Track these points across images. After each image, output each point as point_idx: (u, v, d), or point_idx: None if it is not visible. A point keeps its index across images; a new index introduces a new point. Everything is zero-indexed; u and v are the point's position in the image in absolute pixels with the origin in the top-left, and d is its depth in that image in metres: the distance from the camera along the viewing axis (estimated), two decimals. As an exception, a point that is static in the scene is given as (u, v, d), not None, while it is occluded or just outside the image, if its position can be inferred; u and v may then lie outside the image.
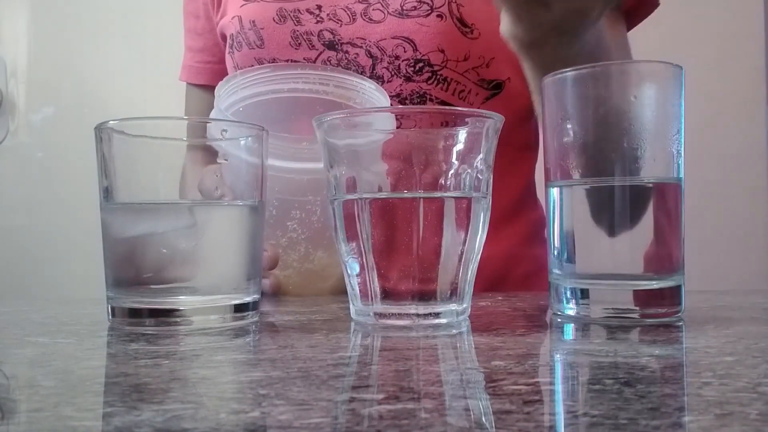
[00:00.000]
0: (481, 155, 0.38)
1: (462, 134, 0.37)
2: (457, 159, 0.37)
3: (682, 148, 0.38)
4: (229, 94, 0.57)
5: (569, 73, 0.38)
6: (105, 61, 1.54)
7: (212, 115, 0.54)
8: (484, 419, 0.20)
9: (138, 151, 0.39)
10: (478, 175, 0.38)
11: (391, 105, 0.61)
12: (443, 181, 0.36)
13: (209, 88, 0.77)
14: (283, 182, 0.50)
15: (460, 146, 0.37)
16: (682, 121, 0.38)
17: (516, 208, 0.71)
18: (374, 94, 0.58)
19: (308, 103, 0.58)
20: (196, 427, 0.19)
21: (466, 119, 0.37)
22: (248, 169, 0.40)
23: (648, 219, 0.38)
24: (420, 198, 0.36)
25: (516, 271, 0.67)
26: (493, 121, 0.38)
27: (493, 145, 0.39)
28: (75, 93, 1.55)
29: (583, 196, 0.39)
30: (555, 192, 0.40)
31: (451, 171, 0.36)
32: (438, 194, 0.36)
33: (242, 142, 0.40)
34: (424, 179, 0.36)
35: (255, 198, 0.40)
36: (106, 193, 0.38)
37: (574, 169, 0.38)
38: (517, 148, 0.69)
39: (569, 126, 0.38)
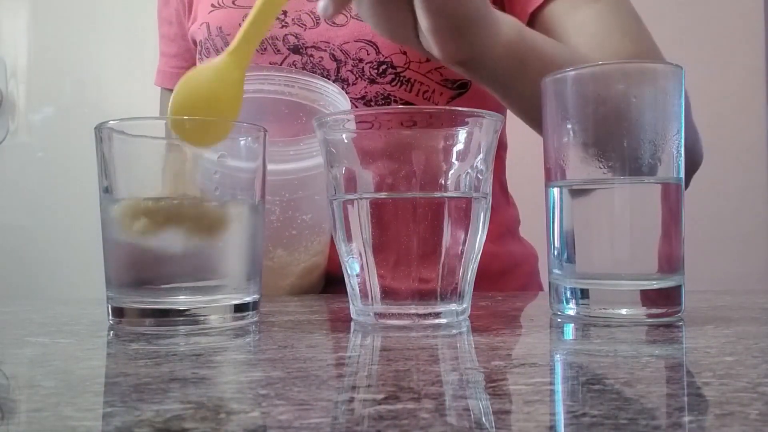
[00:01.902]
0: (481, 155, 0.38)
1: (462, 134, 0.37)
2: (456, 159, 0.37)
3: (683, 148, 0.38)
4: None
5: (569, 73, 0.38)
6: (105, 61, 1.54)
7: None
8: (484, 419, 0.20)
9: (138, 151, 0.39)
10: (478, 175, 0.38)
11: (355, 107, 0.62)
12: (443, 181, 0.36)
13: None
14: None
15: (460, 146, 0.37)
16: (682, 121, 0.38)
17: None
18: (337, 98, 0.59)
19: (273, 104, 0.59)
20: (196, 427, 0.19)
21: (466, 119, 0.37)
22: (246, 170, 0.40)
23: (649, 219, 0.38)
24: (420, 198, 0.36)
25: (491, 269, 0.67)
26: (493, 121, 0.38)
27: (493, 145, 0.39)
28: (75, 93, 1.55)
29: (583, 196, 0.39)
30: (555, 192, 0.40)
31: (451, 171, 0.36)
32: (438, 194, 0.36)
33: (242, 142, 0.40)
34: (423, 179, 0.36)
35: (255, 197, 0.40)
36: (106, 192, 0.38)
37: (574, 169, 0.38)
38: None
39: (569, 126, 0.38)
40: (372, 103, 0.64)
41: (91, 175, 0.41)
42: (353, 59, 0.64)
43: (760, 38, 1.34)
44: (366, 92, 0.65)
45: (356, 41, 0.64)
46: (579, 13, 0.61)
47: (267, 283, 0.56)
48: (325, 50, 0.65)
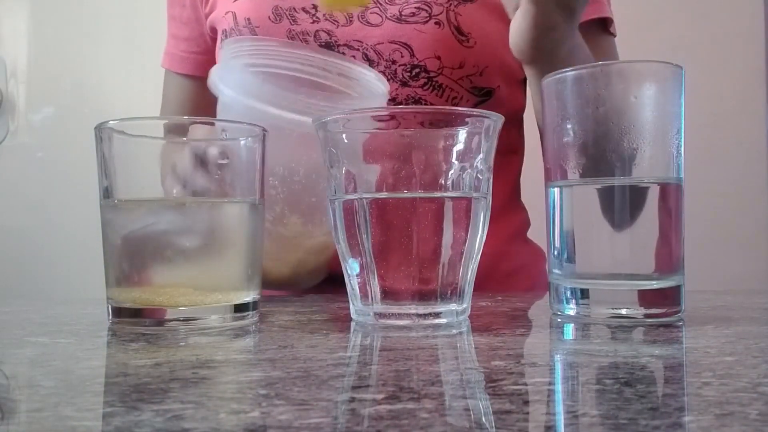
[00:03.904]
0: (481, 155, 0.38)
1: (462, 134, 0.37)
2: (457, 159, 0.37)
3: (682, 148, 0.38)
4: (238, 53, 0.56)
5: (569, 73, 0.38)
6: (105, 61, 1.54)
7: (214, 70, 0.53)
8: (484, 419, 0.20)
9: (138, 151, 0.39)
10: (478, 175, 0.38)
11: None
12: (443, 181, 0.36)
13: (190, 78, 0.78)
14: (271, 133, 0.49)
15: (460, 146, 0.37)
16: (682, 121, 0.38)
17: (500, 210, 0.71)
18: (373, 84, 0.58)
19: (309, 83, 0.58)
20: (196, 427, 0.19)
21: (466, 119, 0.37)
22: (248, 169, 0.40)
23: (648, 219, 0.38)
24: (420, 198, 0.36)
25: (499, 270, 0.67)
26: (493, 121, 0.38)
27: (493, 145, 0.39)
28: (75, 93, 1.55)
29: (583, 196, 0.39)
30: (555, 192, 0.40)
31: (451, 171, 0.36)
32: (438, 194, 0.36)
33: (242, 143, 0.40)
34: (424, 179, 0.36)
35: (254, 197, 0.40)
36: (106, 192, 0.38)
37: (574, 169, 0.38)
38: (502, 152, 0.70)
39: (569, 126, 0.38)
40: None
41: (91, 175, 0.41)
42: (386, 60, 0.64)
43: (760, 38, 1.34)
44: (397, 94, 0.65)
45: (390, 42, 0.64)
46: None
47: (276, 255, 0.53)
48: (358, 49, 0.65)
